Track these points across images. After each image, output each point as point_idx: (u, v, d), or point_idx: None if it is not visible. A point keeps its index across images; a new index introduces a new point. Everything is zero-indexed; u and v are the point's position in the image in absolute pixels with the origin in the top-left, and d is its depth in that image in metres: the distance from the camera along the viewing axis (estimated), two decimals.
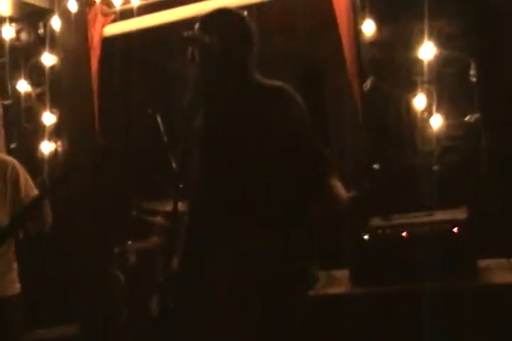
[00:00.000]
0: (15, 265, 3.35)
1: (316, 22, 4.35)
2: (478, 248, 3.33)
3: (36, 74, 5.01)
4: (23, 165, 3.42)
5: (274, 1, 4.34)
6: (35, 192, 3.35)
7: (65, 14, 4.84)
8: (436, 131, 3.90)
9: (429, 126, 3.91)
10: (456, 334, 3.08)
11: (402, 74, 4.02)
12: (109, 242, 4.20)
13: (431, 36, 3.90)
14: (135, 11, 4.66)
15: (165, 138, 3.98)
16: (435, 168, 3.82)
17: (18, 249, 3.39)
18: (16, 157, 3.52)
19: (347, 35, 4.13)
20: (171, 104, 4.59)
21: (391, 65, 4.08)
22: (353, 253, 3.45)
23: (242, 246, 2.52)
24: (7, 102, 5.05)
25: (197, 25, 2.64)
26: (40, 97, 4.98)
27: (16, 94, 5.02)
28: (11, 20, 4.99)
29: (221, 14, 2.71)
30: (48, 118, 4.90)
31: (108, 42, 4.83)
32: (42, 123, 4.92)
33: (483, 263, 3.41)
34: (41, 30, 5.03)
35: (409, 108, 3.97)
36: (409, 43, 3.99)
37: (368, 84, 4.04)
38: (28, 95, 5.01)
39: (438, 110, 3.90)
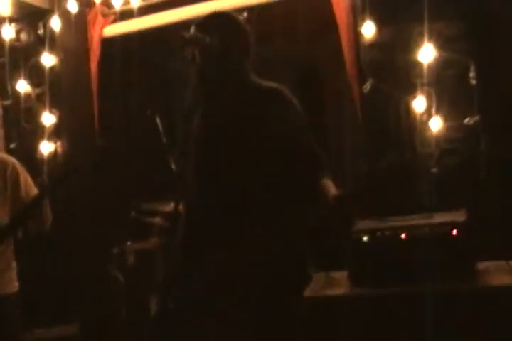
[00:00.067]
0: (14, 264, 3.36)
1: (316, 24, 4.36)
2: (476, 250, 3.34)
3: (36, 75, 5.00)
4: (22, 165, 3.43)
5: (274, 4, 4.35)
6: (35, 191, 3.36)
7: (64, 15, 4.84)
8: (436, 133, 3.90)
9: (429, 129, 3.91)
10: (455, 335, 3.09)
11: (402, 76, 4.02)
12: (108, 242, 4.21)
13: (430, 38, 3.90)
14: (135, 11, 4.65)
15: (164, 139, 3.99)
16: (434, 170, 3.83)
17: (17, 248, 3.40)
18: (15, 157, 3.53)
19: (347, 37, 4.13)
20: (171, 105, 4.60)
21: (391, 67, 4.08)
22: (352, 255, 3.45)
23: (242, 246, 2.52)
24: (7, 102, 5.04)
25: (193, 28, 2.66)
26: (39, 98, 4.98)
27: (15, 94, 5.01)
28: (11, 20, 4.99)
29: (218, 17, 2.74)
30: (48, 118, 4.90)
31: (108, 42, 4.83)
32: (41, 123, 4.91)
33: (481, 265, 3.42)
34: (41, 31, 5.03)
35: (408, 110, 3.98)
36: (409, 45, 3.99)
37: (367, 86, 4.04)
38: (27, 95, 5.00)
39: (437, 112, 3.90)
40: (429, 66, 3.91)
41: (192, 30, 2.66)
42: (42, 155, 4.87)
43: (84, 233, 4.59)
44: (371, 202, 2.82)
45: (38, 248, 4.31)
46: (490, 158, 3.76)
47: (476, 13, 3.93)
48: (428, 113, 3.92)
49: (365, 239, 3.42)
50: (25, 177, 3.39)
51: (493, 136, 3.78)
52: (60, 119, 4.91)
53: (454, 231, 3.28)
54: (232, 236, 2.55)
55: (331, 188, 2.61)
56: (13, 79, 5.01)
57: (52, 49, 4.93)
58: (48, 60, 4.91)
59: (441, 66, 3.93)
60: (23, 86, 5.00)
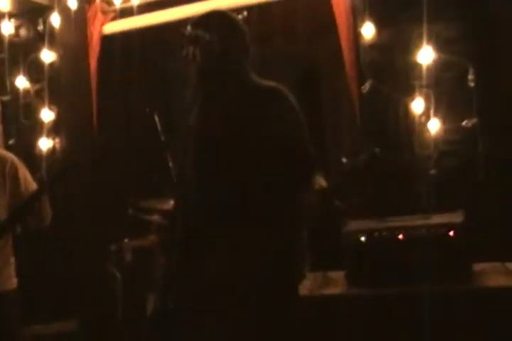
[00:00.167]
0: (12, 260, 3.35)
1: (315, 24, 4.37)
2: (473, 251, 3.36)
3: (35, 71, 4.99)
4: (21, 162, 3.43)
5: (273, 3, 4.36)
6: (35, 186, 3.36)
7: (64, 11, 4.83)
8: (434, 135, 3.91)
9: (427, 130, 3.93)
10: (451, 336, 3.11)
11: (401, 77, 4.03)
12: (106, 240, 4.21)
13: (430, 40, 3.92)
14: (135, 9, 4.66)
15: (162, 137, 3.99)
16: (432, 171, 3.84)
17: (16, 244, 3.40)
18: (14, 153, 3.51)
19: (346, 38, 4.14)
20: (170, 103, 4.60)
21: (390, 68, 4.09)
22: (349, 254, 3.47)
23: (241, 245, 2.53)
24: (5, 98, 5.03)
25: (189, 26, 2.65)
26: (38, 94, 4.97)
27: (14, 90, 5.00)
28: (10, 16, 4.98)
29: (217, 15, 2.73)
30: (47, 114, 4.89)
31: (107, 40, 4.83)
32: (40, 119, 4.91)
33: (477, 266, 3.44)
34: (40, 27, 5.01)
35: (407, 112, 3.99)
36: (408, 47, 4.00)
37: (366, 87, 4.05)
38: (26, 91, 4.99)
39: (436, 114, 3.92)
40: (428, 68, 3.93)
41: (189, 28, 2.64)
42: (41, 151, 4.86)
43: (82, 230, 4.59)
44: (371, 202, 2.83)
45: (37, 244, 4.31)
46: (488, 160, 3.77)
47: (476, 14, 3.94)
48: (427, 115, 3.93)
49: (362, 239, 3.44)
50: (24, 173, 3.38)
51: (492, 137, 3.80)
52: (58, 116, 4.90)
53: (451, 233, 3.30)
54: (231, 236, 2.55)
55: (322, 183, 2.62)
56: (12, 75, 5.00)
57: (52, 45, 4.92)
58: (48, 56, 4.91)
59: (439, 68, 3.94)
60: (22, 82, 4.99)
